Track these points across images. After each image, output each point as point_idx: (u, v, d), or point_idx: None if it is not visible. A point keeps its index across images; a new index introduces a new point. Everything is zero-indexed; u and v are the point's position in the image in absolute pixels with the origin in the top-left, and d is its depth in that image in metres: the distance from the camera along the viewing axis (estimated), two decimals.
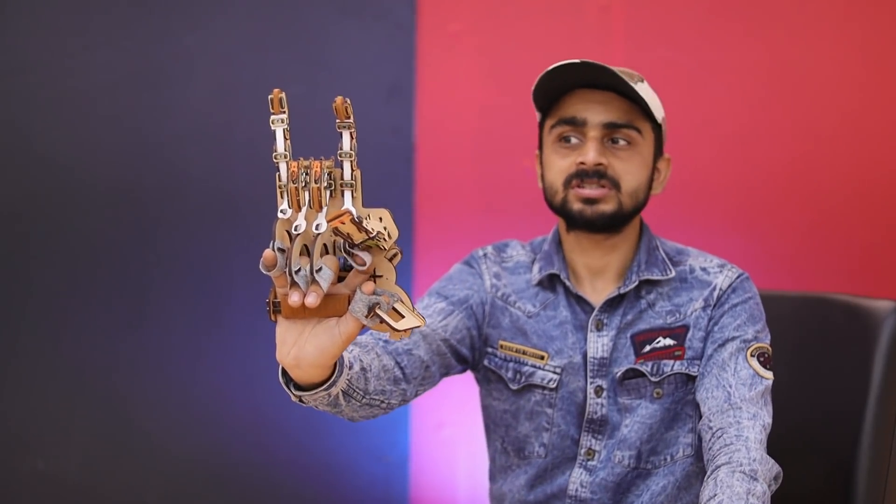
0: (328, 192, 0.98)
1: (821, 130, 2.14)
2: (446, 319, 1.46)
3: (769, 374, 1.39)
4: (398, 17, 2.27)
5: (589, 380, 1.46)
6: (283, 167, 0.98)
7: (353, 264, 1.00)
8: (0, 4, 2.20)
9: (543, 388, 1.49)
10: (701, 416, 1.39)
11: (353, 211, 0.98)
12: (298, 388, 1.14)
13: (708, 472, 1.27)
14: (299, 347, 1.05)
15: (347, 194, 0.99)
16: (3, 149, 2.21)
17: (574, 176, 1.44)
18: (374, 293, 1.01)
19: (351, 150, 0.98)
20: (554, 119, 1.47)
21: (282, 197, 0.98)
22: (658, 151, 1.50)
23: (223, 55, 2.25)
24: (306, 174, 0.97)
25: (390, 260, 1.03)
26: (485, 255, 1.57)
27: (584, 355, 1.47)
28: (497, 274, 1.54)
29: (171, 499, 2.27)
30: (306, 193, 0.98)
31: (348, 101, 0.97)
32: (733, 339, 1.42)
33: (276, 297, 1.03)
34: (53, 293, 2.22)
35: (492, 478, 1.59)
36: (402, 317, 1.02)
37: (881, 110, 2.12)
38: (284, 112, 0.97)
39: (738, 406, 1.34)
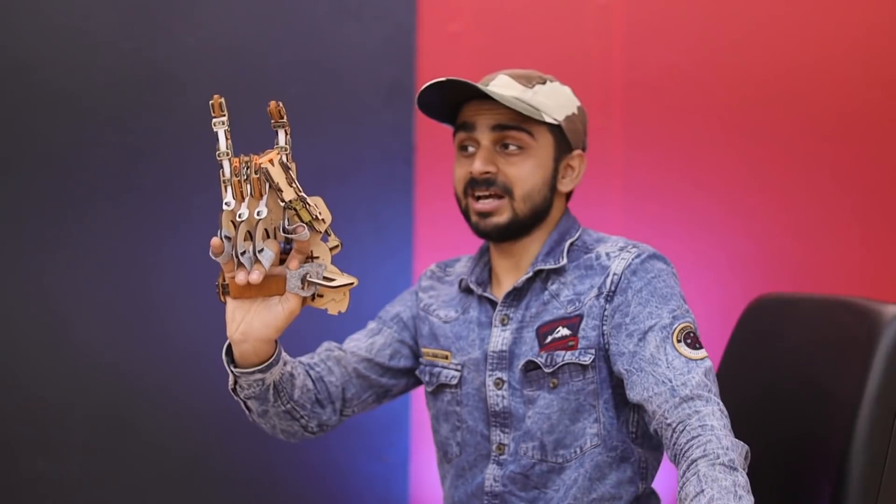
0: (267, 183, 1.11)
1: (823, 130, 2.14)
2: (372, 339, 1.55)
3: (701, 354, 1.33)
4: (398, 17, 2.27)
5: (488, 373, 1.47)
6: (225, 164, 1.12)
7: (293, 237, 1.15)
8: (0, 4, 2.21)
9: (449, 385, 1.52)
10: (647, 414, 1.33)
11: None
12: (238, 367, 1.28)
13: (683, 467, 1.22)
14: (247, 323, 1.22)
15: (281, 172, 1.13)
16: (3, 148, 2.21)
17: (468, 185, 1.47)
18: (300, 267, 1.17)
19: (286, 144, 1.14)
20: (455, 127, 1.50)
21: (225, 190, 1.12)
22: (564, 150, 1.49)
23: (223, 55, 2.25)
24: (247, 168, 1.11)
25: (331, 250, 1.19)
26: (429, 271, 1.64)
27: (486, 351, 1.49)
28: (427, 287, 1.60)
29: (171, 499, 2.27)
30: (248, 185, 1.11)
31: (281, 104, 1.13)
32: (651, 328, 1.36)
33: (224, 280, 1.21)
34: (53, 293, 2.22)
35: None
36: (334, 279, 1.18)
37: (885, 109, 2.12)
38: (224, 115, 1.13)
39: (689, 397, 1.28)
